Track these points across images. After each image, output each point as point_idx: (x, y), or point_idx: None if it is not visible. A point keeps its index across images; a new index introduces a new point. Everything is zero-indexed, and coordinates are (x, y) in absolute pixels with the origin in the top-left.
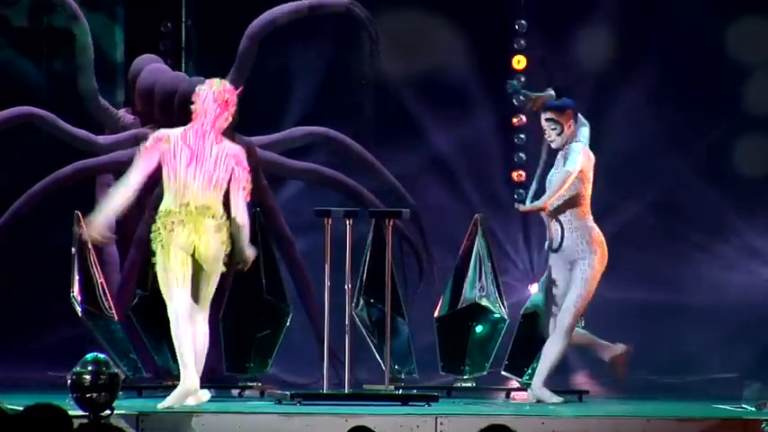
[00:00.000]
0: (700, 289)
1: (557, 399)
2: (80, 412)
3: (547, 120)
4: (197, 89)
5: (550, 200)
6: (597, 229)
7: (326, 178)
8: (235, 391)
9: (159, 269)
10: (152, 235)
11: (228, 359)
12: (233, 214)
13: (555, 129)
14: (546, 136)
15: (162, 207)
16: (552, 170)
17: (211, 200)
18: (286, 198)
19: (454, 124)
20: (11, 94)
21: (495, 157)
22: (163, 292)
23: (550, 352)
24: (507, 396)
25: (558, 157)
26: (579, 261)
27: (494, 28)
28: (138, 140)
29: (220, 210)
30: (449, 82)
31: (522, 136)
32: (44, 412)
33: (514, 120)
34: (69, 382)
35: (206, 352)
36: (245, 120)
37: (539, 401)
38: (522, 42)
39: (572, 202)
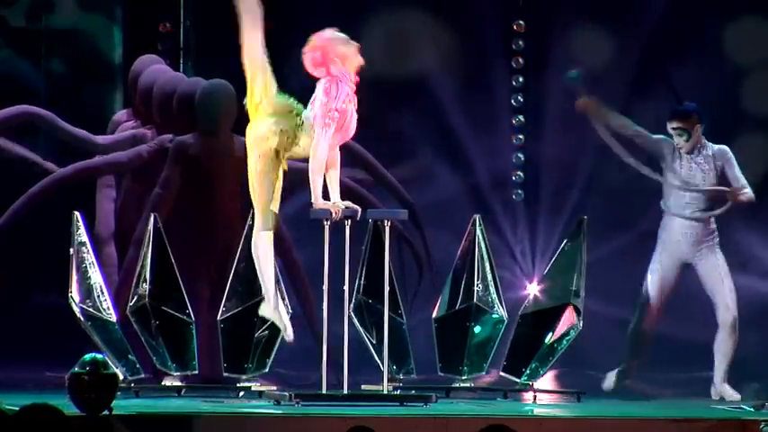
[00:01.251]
0: (698, 288)
1: (737, 396)
2: (78, 413)
3: (674, 128)
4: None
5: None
6: None
7: None
8: (233, 392)
9: None
10: None
11: (227, 360)
12: None
13: (682, 136)
14: (675, 143)
15: None
16: (697, 171)
17: None
18: (293, 211)
19: (455, 124)
20: (9, 94)
21: (500, 156)
22: None
23: (726, 347)
24: (505, 396)
25: (707, 156)
26: (709, 252)
27: (492, 28)
28: (136, 141)
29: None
30: (449, 81)
31: (521, 137)
32: (40, 412)
33: (513, 121)
34: (67, 382)
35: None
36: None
37: (721, 398)
38: (521, 43)
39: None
